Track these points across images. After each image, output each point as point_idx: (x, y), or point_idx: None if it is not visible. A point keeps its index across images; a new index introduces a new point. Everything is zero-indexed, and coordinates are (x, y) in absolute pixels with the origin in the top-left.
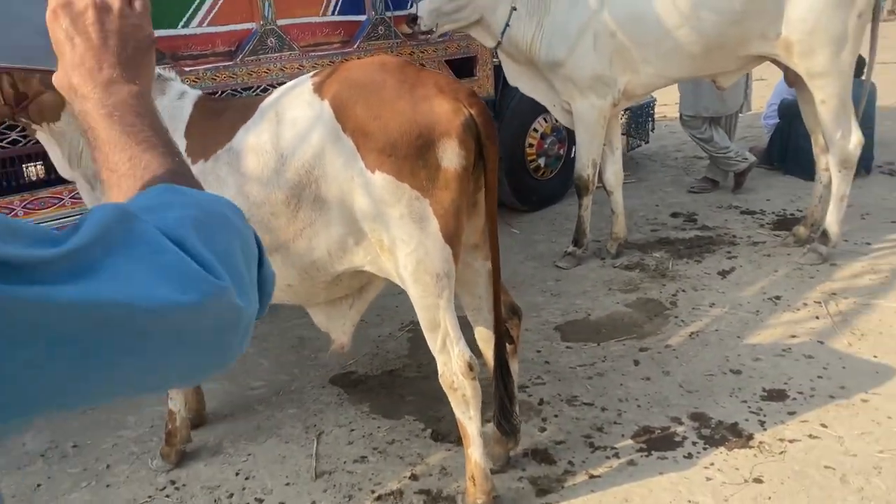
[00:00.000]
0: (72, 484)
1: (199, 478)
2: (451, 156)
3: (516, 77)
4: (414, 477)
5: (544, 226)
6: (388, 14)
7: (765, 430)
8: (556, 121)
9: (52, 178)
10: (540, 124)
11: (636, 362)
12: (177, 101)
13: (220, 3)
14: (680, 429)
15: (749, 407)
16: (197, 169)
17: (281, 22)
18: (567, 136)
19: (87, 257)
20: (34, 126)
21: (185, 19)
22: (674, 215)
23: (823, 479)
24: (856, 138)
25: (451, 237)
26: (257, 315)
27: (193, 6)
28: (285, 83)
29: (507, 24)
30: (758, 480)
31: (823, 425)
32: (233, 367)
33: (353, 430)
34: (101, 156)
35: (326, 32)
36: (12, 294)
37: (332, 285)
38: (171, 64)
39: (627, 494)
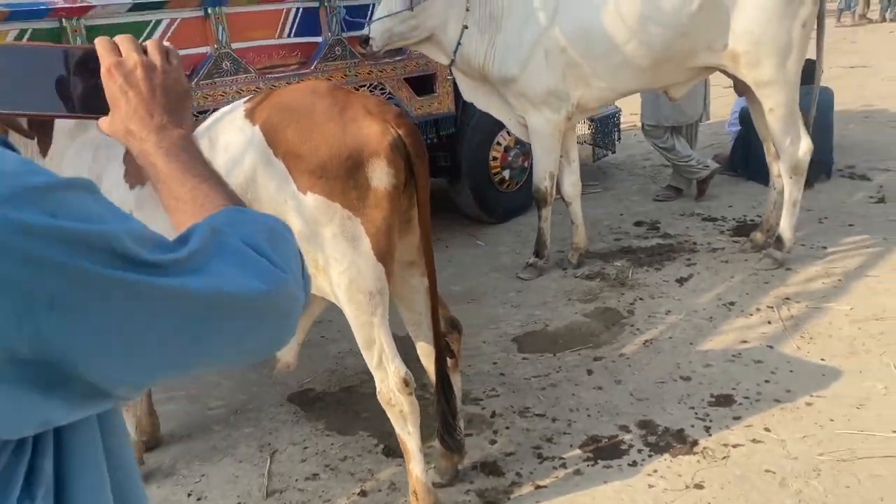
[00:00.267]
0: None
1: (150, 500)
2: (380, 175)
3: (471, 93)
4: (363, 493)
5: (509, 237)
6: (345, 35)
7: (710, 435)
8: None
9: None
10: (503, 137)
11: (589, 372)
12: None
13: (173, 27)
14: (627, 437)
15: (696, 413)
16: (134, 194)
17: (236, 45)
18: (531, 149)
19: (198, 260)
20: None
21: None
22: (637, 224)
23: (763, 483)
24: (805, 145)
25: (384, 255)
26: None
27: (147, 31)
28: None
29: (458, 43)
30: (699, 486)
31: (767, 429)
32: (192, 387)
33: (306, 447)
34: (164, 187)
35: (283, 54)
36: (165, 285)
37: None
38: None
39: None
